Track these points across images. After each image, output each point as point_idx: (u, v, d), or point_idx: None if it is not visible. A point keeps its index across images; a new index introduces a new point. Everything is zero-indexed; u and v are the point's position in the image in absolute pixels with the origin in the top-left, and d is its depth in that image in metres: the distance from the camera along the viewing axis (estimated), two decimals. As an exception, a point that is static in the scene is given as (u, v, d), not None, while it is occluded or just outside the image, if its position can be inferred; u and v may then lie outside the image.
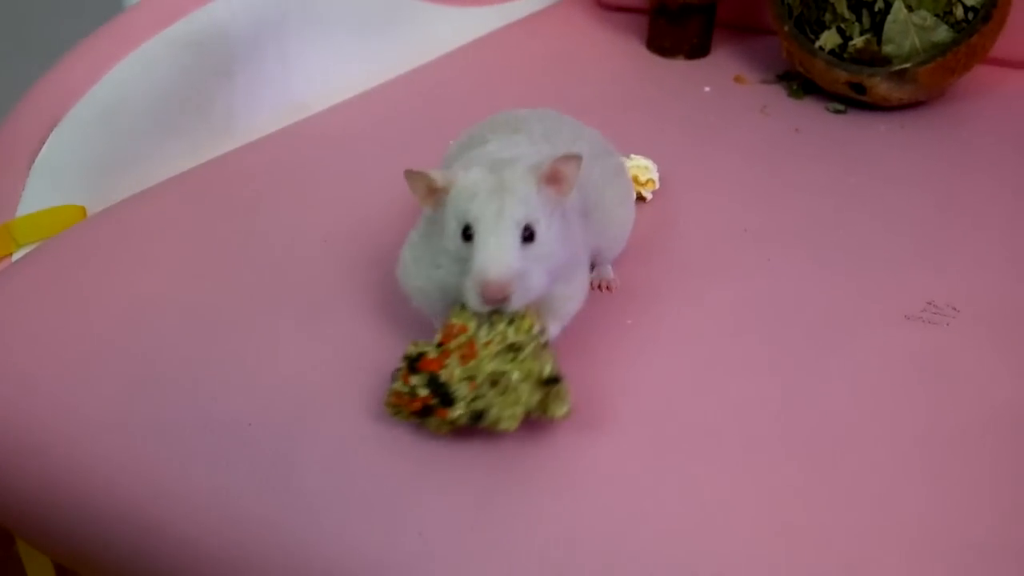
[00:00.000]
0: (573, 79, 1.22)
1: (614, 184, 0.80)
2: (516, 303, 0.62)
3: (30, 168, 0.90)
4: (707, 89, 1.21)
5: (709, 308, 0.80)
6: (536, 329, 0.62)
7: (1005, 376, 0.73)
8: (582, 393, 0.69)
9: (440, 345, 0.63)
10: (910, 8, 1.10)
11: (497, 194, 0.63)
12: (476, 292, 0.61)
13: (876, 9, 1.12)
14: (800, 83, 1.22)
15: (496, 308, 0.62)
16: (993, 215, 0.94)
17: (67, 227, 0.90)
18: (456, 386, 0.62)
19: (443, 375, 0.62)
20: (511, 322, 0.62)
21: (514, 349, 0.62)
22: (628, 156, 0.95)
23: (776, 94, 1.21)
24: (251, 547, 0.62)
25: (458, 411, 0.61)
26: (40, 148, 0.90)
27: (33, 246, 0.88)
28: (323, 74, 1.14)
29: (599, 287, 0.80)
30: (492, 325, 0.62)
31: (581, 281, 0.71)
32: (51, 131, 0.91)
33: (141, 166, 0.96)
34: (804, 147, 1.07)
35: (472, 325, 0.62)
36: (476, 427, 0.62)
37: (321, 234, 0.87)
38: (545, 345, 0.63)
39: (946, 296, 0.81)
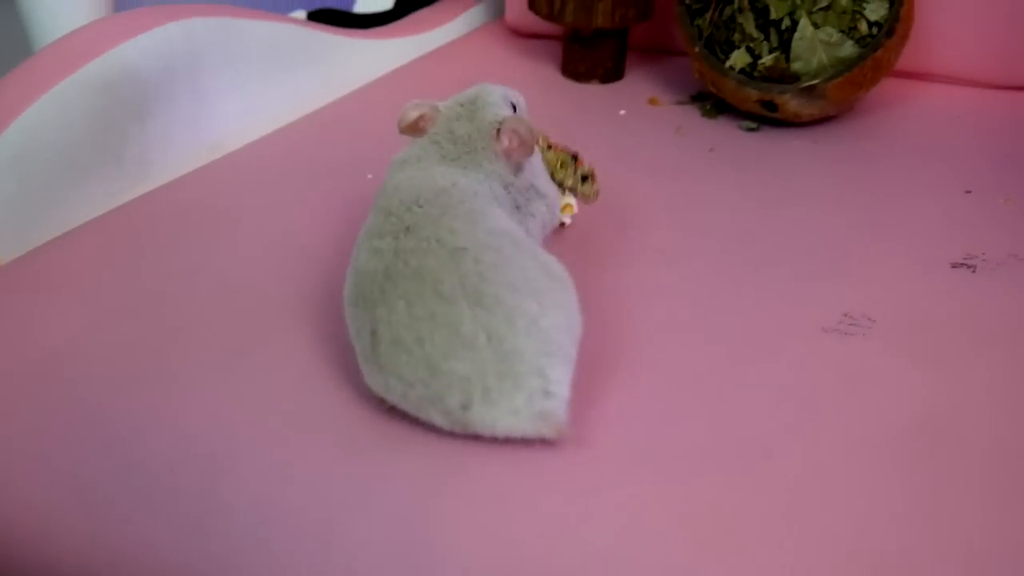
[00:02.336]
0: (490, 107, 1.23)
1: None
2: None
3: (-59, 218, 0.89)
4: (622, 112, 1.23)
5: (628, 329, 0.80)
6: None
7: (921, 384, 0.74)
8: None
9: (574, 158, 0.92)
10: (816, 25, 1.13)
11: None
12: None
13: (783, 27, 1.14)
14: (713, 103, 1.24)
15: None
16: (905, 225, 0.97)
17: (-19, 277, 0.88)
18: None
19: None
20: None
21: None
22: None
23: (690, 114, 1.23)
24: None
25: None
26: (-50, 198, 0.89)
27: (-54, 298, 0.87)
28: (238, 112, 1.13)
29: None
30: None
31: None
32: (-39, 180, 0.89)
33: (55, 212, 0.95)
34: (719, 166, 1.09)
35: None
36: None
37: (239, 273, 0.87)
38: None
39: (862, 307, 0.83)
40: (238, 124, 1.13)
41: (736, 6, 1.16)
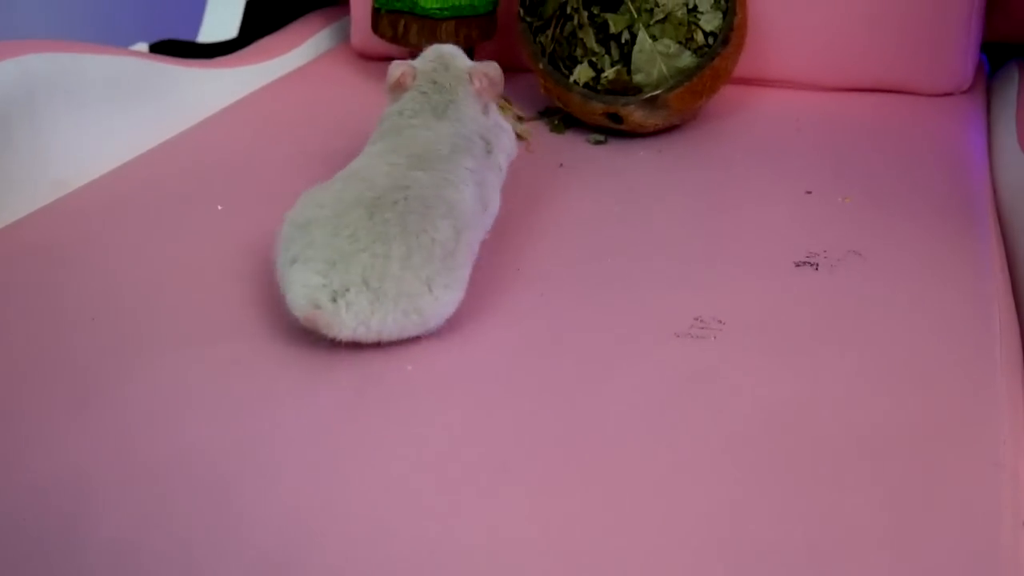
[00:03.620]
0: (339, 129, 1.23)
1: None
2: None
3: None
4: (472, 131, 1.23)
5: (486, 347, 0.81)
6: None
7: (771, 379, 0.76)
8: (367, 437, 0.70)
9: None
10: (654, 37, 1.15)
11: None
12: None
13: (623, 41, 1.17)
14: (560, 118, 1.26)
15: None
16: (750, 227, 1.00)
17: None
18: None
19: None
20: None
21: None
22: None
23: (539, 130, 1.24)
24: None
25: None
26: None
27: None
28: (81, 148, 1.11)
29: None
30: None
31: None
32: None
33: None
34: (569, 180, 1.10)
35: None
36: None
37: (88, 313, 0.85)
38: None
39: (712, 310, 0.85)
40: (82, 160, 1.11)
41: (576, 22, 1.18)
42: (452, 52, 0.98)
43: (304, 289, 0.78)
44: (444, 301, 0.81)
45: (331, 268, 0.78)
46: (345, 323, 0.77)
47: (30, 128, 1.05)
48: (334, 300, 0.77)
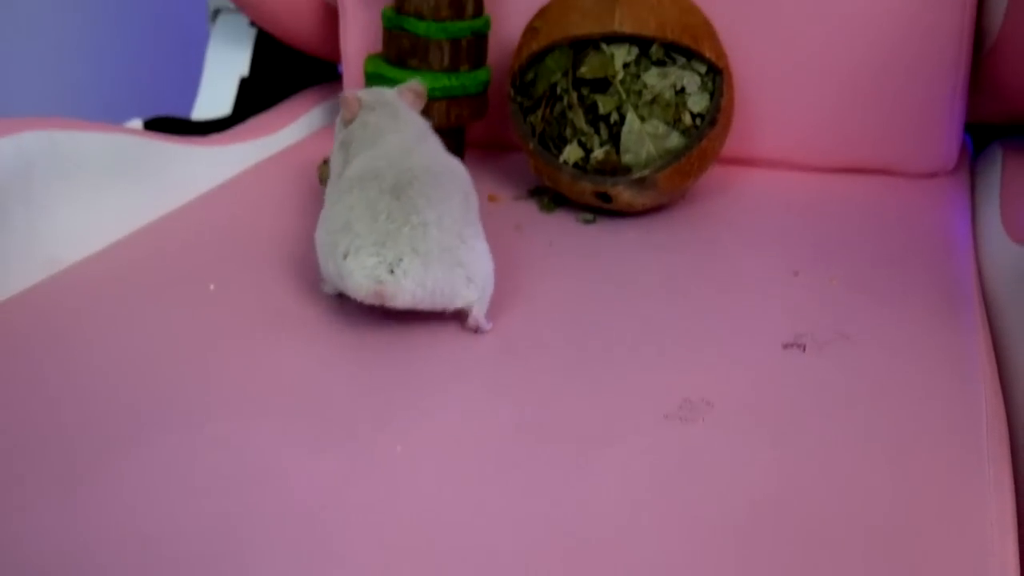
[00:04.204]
0: (331, 209, 1.24)
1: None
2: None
3: None
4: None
5: (473, 427, 0.81)
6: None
7: (760, 464, 0.77)
8: (356, 518, 0.70)
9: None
10: (642, 119, 1.17)
11: None
12: None
13: (612, 121, 1.18)
14: (550, 197, 1.27)
15: None
16: (738, 308, 1.01)
17: None
18: None
19: None
20: None
21: None
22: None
23: (529, 209, 1.26)
24: None
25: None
26: None
27: None
28: (75, 225, 1.11)
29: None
30: None
31: None
32: None
33: None
34: (558, 260, 1.11)
35: None
36: None
37: (81, 391, 0.85)
38: None
39: (700, 392, 0.85)
40: (76, 237, 1.11)
41: (566, 103, 1.20)
42: (367, 89, 1.12)
43: (364, 270, 0.90)
44: (477, 249, 0.95)
45: (382, 247, 0.90)
46: (405, 288, 0.90)
47: (24, 205, 1.05)
48: (391, 272, 0.89)
